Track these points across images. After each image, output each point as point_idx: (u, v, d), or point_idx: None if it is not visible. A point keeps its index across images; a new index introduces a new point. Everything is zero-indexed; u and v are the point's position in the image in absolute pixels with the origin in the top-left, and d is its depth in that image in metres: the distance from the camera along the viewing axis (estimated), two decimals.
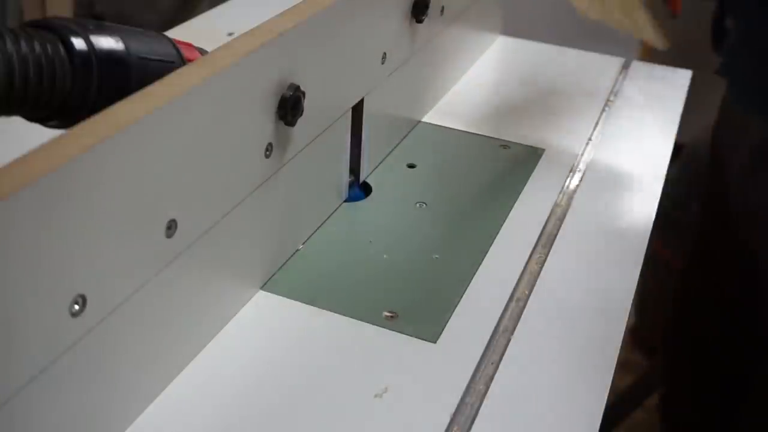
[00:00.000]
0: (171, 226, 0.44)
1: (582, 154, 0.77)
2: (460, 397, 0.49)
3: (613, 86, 0.90)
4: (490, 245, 0.62)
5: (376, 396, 0.48)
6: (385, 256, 0.61)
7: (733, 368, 0.96)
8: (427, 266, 0.60)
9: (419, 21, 0.71)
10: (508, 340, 0.54)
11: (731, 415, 0.96)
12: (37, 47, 0.42)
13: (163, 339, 0.46)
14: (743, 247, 0.82)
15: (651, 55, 1.97)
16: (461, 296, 0.57)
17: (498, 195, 0.69)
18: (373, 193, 0.69)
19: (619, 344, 0.54)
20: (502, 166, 0.74)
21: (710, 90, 1.05)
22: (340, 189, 0.66)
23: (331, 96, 0.60)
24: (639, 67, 0.95)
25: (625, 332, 0.55)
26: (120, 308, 0.41)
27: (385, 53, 0.67)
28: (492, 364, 0.52)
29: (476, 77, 0.90)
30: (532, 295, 0.58)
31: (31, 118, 0.45)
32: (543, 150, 0.76)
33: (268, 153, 0.52)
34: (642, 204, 0.70)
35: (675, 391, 1.10)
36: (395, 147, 0.75)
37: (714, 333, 0.99)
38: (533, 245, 0.63)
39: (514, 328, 0.55)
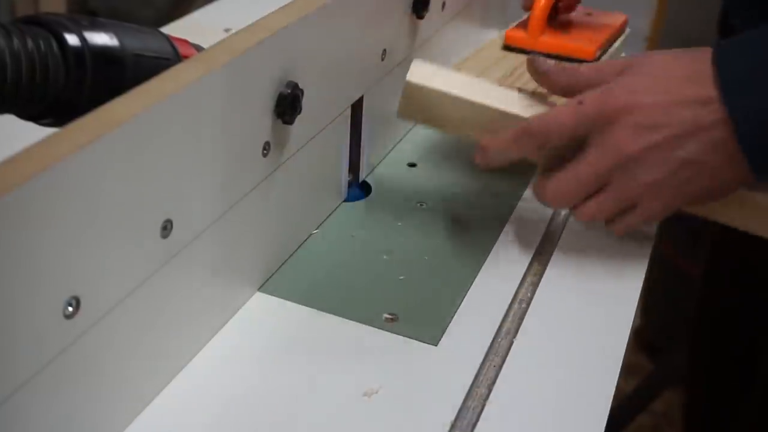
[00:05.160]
0: (166, 227, 0.44)
1: None
2: (461, 401, 0.49)
3: None
4: (493, 245, 0.62)
5: (364, 395, 0.48)
6: (384, 257, 0.61)
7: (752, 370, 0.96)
8: (428, 267, 0.60)
9: (420, 17, 0.71)
10: (511, 343, 0.54)
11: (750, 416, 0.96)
12: (30, 43, 0.42)
13: (159, 341, 0.46)
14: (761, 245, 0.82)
15: None
16: (463, 298, 0.57)
17: (501, 194, 0.69)
18: (372, 193, 0.69)
19: (625, 346, 0.54)
20: None
21: None
22: (340, 188, 0.66)
23: (330, 94, 0.60)
24: None
25: (630, 334, 0.55)
26: (115, 310, 0.41)
27: (385, 50, 0.67)
28: (494, 367, 0.52)
29: None
30: (535, 296, 0.58)
31: (23, 115, 0.45)
32: None
33: (265, 152, 0.52)
34: None
35: (695, 392, 1.10)
36: (395, 145, 0.75)
37: (734, 338, 0.99)
38: (537, 245, 0.63)
39: (517, 331, 0.55)
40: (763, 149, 0.54)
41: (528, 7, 0.83)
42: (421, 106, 0.59)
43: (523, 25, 0.83)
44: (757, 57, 0.54)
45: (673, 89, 0.55)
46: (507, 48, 0.82)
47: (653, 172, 0.55)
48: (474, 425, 0.47)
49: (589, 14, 0.89)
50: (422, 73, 0.59)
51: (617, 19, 0.89)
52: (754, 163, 0.54)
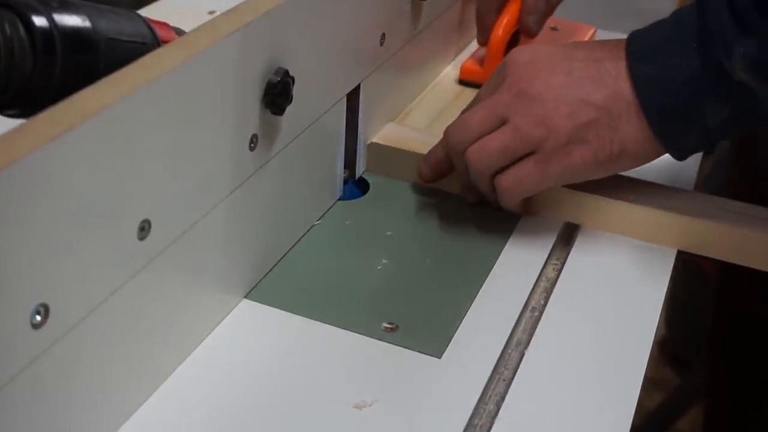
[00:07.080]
0: (144, 227, 0.44)
1: None
2: (467, 419, 0.48)
3: None
4: (502, 248, 0.62)
5: (355, 406, 0.48)
6: (384, 260, 0.61)
7: None
8: (431, 272, 0.60)
9: None
10: (522, 355, 0.54)
11: None
12: None
13: (137, 353, 0.46)
14: None
15: None
16: (469, 306, 0.57)
17: None
18: (370, 191, 0.69)
19: (647, 358, 0.54)
20: None
21: None
22: (334, 186, 0.66)
23: (323, 81, 0.60)
24: None
25: (653, 346, 0.55)
26: (88, 319, 0.41)
27: (384, 34, 0.67)
28: (504, 381, 0.51)
29: None
30: (548, 304, 0.58)
31: None
32: None
33: (253, 145, 0.52)
34: None
35: (716, 407, 1.11)
36: None
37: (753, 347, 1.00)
38: (550, 248, 0.63)
39: (529, 342, 0.55)
40: (662, 109, 0.57)
41: (484, 41, 0.82)
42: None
43: (479, 57, 0.83)
44: (661, 32, 0.58)
45: (581, 47, 0.61)
46: (462, 83, 0.83)
47: (550, 108, 0.58)
48: None
49: (554, 29, 0.89)
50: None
51: (585, 32, 0.89)
52: (651, 118, 0.57)
